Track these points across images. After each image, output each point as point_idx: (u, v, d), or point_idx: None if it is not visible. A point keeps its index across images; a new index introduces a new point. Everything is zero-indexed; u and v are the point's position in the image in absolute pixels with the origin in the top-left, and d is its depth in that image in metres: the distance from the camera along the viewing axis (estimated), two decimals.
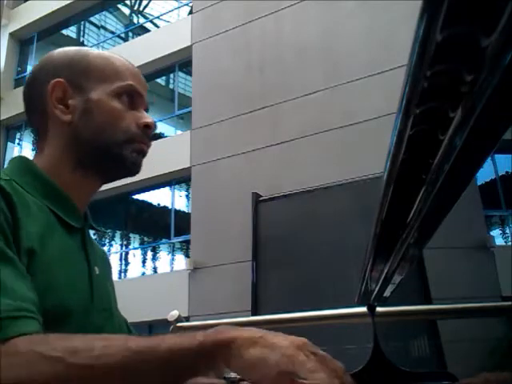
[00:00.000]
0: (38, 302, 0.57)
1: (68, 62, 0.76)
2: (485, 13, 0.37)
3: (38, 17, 12.15)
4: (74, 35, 12.68)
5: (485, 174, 6.84)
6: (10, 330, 0.50)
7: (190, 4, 10.38)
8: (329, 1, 7.80)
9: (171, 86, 10.94)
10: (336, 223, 3.82)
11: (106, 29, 12.39)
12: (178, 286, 7.81)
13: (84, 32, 12.67)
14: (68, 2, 11.58)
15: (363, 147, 6.41)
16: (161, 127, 10.27)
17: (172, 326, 1.44)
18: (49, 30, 12.40)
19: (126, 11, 12.48)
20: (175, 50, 9.66)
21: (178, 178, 9.33)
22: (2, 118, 11.02)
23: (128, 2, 12.28)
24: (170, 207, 9.67)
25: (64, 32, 12.67)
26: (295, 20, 8.17)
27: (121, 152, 0.75)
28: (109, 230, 10.32)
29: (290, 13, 8.23)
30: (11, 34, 12.68)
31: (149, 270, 9.60)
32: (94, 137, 0.74)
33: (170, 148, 8.55)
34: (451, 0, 0.35)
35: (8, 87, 11.71)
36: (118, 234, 10.59)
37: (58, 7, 11.73)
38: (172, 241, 9.40)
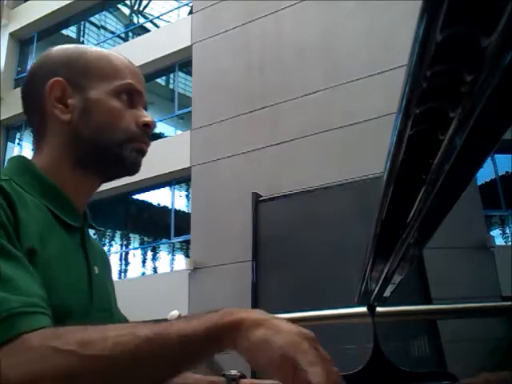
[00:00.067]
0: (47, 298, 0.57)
1: (66, 61, 0.76)
2: (485, 13, 0.37)
3: (38, 17, 12.14)
4: (74, 35, 12.67)
5: (485, 174, 6.84)
6: (23, 325, 0.50)
7: (190, 4, 10.38)
8: (329, 1, 7.80)
9: (171, 86, 10.94)
10: (336, 223, 3.82)
11: (105, 29, 12.39)
12: (178, 285, 7.80)
13: (84, 32, 12.67)
14: (68, 1, 11.57)
15: (363, 147, 6.41)
16: (161, 127, 10.27)
17: None
18: (49, 30, 12.39)
19: (126, 11, 12.48)
20: (175, 50, 9.66)
21: (178, 178, 9.33)
22: (2, 118, 11.02)
23: (128, 2, 12.27)
24: (169, 207, 9.67)
25: (64, 32, 12.66)
26: (295, 20, 8.17)
27: (120, 151, 0.75)
28: (109, 230, 10.32)
29: (290, 13, 8.23)
30: (11, 34, 12.67)
31: (149, 270, 9.60)
32: (94, 136, 0.74)
33: (170, 148, 8.55)
34: (451, 0, 0.35)
35: (8, 87, 11.71)
36: (118, 234, 10.59)
37: (58, 7, 11.73)
38: (172, 241, 9.39)
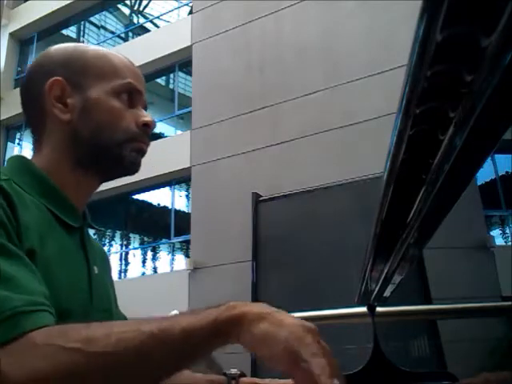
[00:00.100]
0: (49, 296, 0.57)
1: (66, 60, 0.75)
2: (485, 13, 0.37)
3: (38, 17, 12.14)
4: (74, 35, 12.67)
5: (485, 174, 6.84)
6: (27, 324, 0.51)
7: (190, 4, 10.38)
8: (329, 1, 7.80)
9: (171, 86, 10.94)
10: (336, 223, 3.82)
11: (106, 29, 12.39)
12: (178, 286, 7.80)
13: (84, 32, 12.67)
14: (68, 1, 11.57)
15: (363, 147, 6.41)
16: (161, 127, 10.27)
17: None
18: (49, 30, 12.39)
19: (126, 11, 12.48)
20: (175, 49, 9.66)
21: (178, 178, 9.33)
22: (2, 118, 11.01)
23: (128, 2, 12.27)
24: (170, 207, 9.67)
25: (64, 32, 12.66)
26: (295, 20, 8.17)
27: (120, 151, 0.74)
28: (109, 230, 10.32)
29: (290, 13, 8.23)
30: (11, 34, 12.67)
31: (149, 270, 9.60)
32: (94, 136, 0.73)
33: (170, 148, 8.55)
34: (451, 0, 0.35)
35: (8, 87, 11.70)
36: (118, 234, 10.59)
37: (58, 7, 11.73)
38: (172, 241, 9.39)
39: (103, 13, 12.28)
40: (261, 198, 4.28)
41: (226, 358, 1.02)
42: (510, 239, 7.07)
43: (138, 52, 8.90)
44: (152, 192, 10.05)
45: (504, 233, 7.15)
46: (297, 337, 0.48)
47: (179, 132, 9.99)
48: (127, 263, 9.95)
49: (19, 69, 12.65)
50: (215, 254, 7.47)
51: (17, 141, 12.35)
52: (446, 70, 0.44)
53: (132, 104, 0.77)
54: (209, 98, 8.63)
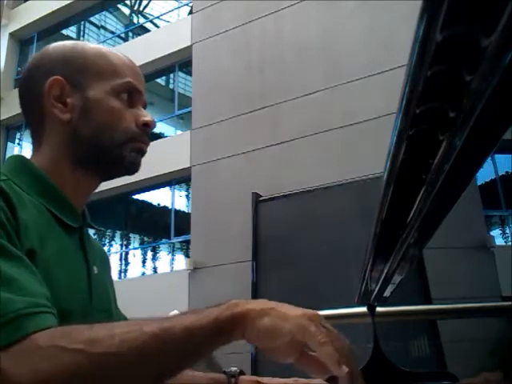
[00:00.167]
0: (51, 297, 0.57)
1: (65, 58, 0.75)
2: (485, 13, 0.37)
3: (38, 17, 12.14)
4: (74, 35, 12.67)
5: (485, 174, 6.84)
6: (30, 325, 0.51)
7: (190, 4, 10.38)
8: (329, 1, 7.80)
9: (171, 86, 10.94)
10: (336, 223, 3.82)
11: (106, 29, 12.38)
12: (178, 286, 7.80)
13: (84, 32, 12.66)
14: (68, 1, 11.57)
15: (363, 147, 6.41)
16: (161, 127, 10.27)
17: None
18: (49, 29, 12.39)
19: (126, 11, 12.48)
20: (175, 49, 9.66)
21: (178, 178, 9.33)
22: (2, 118, 11.01)
23: (128, 2, 12.27)
24: (169, 207, 9.67)
25: (64, 32, 12.66)
26: (295, 20, 8.17)
27: (120, 151, 0.74)
28: (109, 230, 10.31)
29: (290, 13, 8.23)
30: (11, 34, 12.67)
31: (149, 270, 9.60)
32: (93, 136, 0.73)
33: (170, 148, 8.55)
34: (451, 0, 0.35)
35: (8, 87, 11.70)
36: (118, 234, 10.59)
37: (58, 7, 11.72)
38: (172, 241, 9.39)
39: (103, 13, 12.28)
40: (261, 198, 4.28)
41: (225, 358, 1.02)
42: (510, 239, 7.07)
43: (138, 52, 8.89)
44: (152, 192, 10.06)
45: (504, 233, 7.16)
46: (301, 328, 0.49)
47: (179, 132, 9.99)
48: (127, 263, 9.95)
49: (19, 69, 12.64)
50: (215, 254, 7.47)
51: (17, 141, 12.35)
52: (446, 70, 0.44)
53: (132, 103, 0.76)
54: (209, 98, 8.63)
